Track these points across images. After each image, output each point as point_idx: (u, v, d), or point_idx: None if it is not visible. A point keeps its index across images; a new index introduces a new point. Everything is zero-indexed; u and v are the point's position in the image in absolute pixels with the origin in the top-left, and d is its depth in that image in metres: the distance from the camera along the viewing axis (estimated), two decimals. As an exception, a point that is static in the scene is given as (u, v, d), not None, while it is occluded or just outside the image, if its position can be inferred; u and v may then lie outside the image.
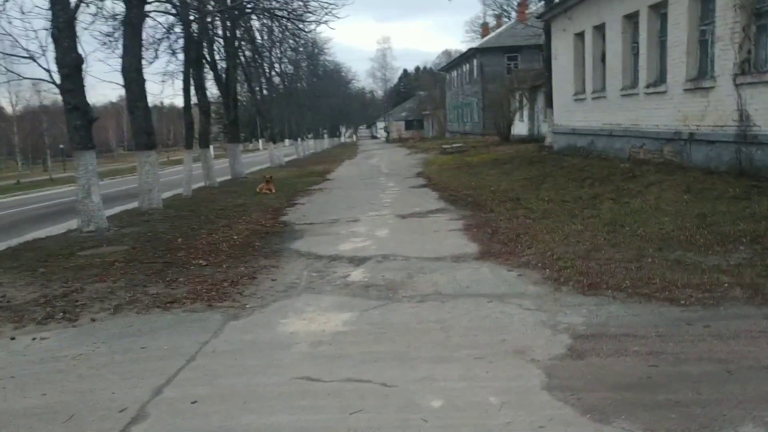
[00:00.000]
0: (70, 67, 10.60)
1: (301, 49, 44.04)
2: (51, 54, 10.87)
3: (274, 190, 17.33)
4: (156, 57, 18.95)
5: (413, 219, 11.31)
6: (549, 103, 22.62)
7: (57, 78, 10.74)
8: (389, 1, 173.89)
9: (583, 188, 12.56)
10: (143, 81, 13.60)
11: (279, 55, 39.84)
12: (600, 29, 16.97)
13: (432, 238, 9.26)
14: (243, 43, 29.09)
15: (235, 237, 10.03)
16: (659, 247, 7.22)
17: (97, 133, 14.15)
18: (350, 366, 4.45)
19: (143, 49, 16.25)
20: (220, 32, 23.38)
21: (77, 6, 10.89)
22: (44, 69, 11.04)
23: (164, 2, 15.79)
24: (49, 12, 10.56)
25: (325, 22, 22.80)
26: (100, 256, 8.98)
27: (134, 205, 14.80)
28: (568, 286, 6.05)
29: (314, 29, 29.26)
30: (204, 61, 22.89)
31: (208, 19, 20.63)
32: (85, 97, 10.92)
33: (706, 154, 11.73)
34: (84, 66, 10.90)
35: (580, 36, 18.42)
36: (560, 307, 5.48)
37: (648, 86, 14.06)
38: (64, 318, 6.10)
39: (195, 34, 18.20)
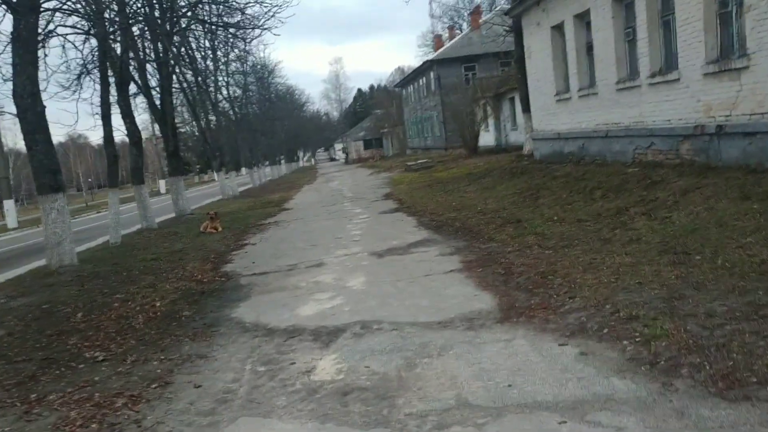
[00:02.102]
0: None
1: (249, 70, 41.78)
2: None
3: (220, 229, 14.68)
4: (79, 84, 16.24)
5: (393, 257, 8.84)
6: (525, 107, 20.49)
7: None
8: (339, 25, 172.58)
9: (595, 201, 10.27)
10: (42, 108, 10.88)
11: (226, 79, 37.36)
12: (583, 17, 14.89)
13: (425, 287, 6.79)
14: (182, 65, 26.53)
15: (158, 303, 7.38)
16: (770, 286, 4.89)
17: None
18: None
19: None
20: (152, 55, 20.75)
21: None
22: None
23: (68, 14, 13.05)
24: None
25: (268, 28, 20.29)
26: (-45, 352, 6.27)
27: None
28: (683, 379, 3.62)
29: (258, 35, 26.64)
30: (136, 86, 20.27)
31: (134, 35, 18.00)
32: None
33: (743, 149, 9.57)
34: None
35: (558, 29, 16.34)
36: None
37: (653, 75, 11.93)
38: None
39: (115, 53, 15.53)
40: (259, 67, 45.92)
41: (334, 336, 5.45)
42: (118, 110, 16.76)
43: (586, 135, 15.09)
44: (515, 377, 4.02)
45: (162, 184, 58.56)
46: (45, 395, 4.74)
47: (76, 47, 14.96)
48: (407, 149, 63.34)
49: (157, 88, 20.59)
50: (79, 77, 16.07)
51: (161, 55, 19.84)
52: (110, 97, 16.23)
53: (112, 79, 16.18)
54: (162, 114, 20.03)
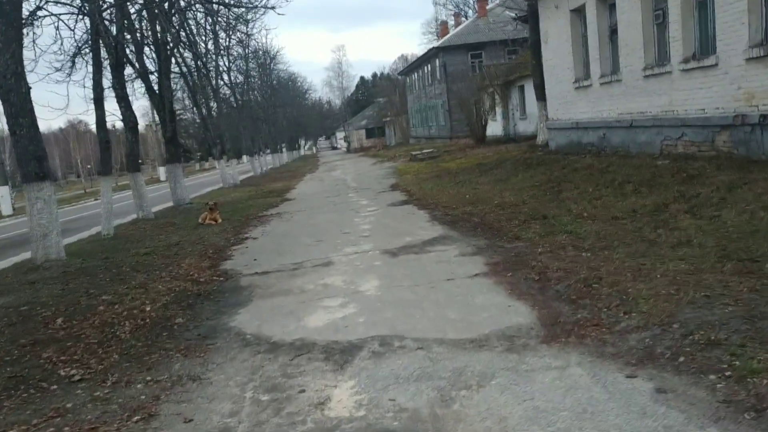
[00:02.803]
0: None
1: (251, 56, 40.84)
2: None
3: (219, 220, 13.87)
4: (73, 65, 15.38)
5: (409, 257, 8.03)
6: (540, 95, 19.61)
7: None
8: (342, 13, 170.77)
9: (627, 197, 9.45)
10: (27, 89, 10.06)
11: (227, 64, 36.44)
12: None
13: (450, 295, 5.99)
14: (181, 48, 25.64)
15: (149, 308, 6.58)
16: None
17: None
18: None
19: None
20: (150, 37, 19.82)
21: None
22: None
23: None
24: None
25: (272, 7, 19.41)
26: None
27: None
28: (809, 435, 2.84)
29: (262, 14, 25.79)
30: (133, 69, 19.40)
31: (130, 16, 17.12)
32: None
33: (792, 141, 8.76)
34: None
35: (578, 12, 15.46)
36: None
37: (686, 61, 11.07)
38: None
39: (110, 33, 14.66)
40: (261, 53, 45.04)
41: (349, 355, 4.65)
42: (114, 94, 16.06)
43: (608, 125, 14.24)
44: (582, 423, 3.22)
45: (162, 172, 57.61)
46: (4, 430, 3.96)
47: (69, 27, 14.08)
48: (410, 138, 62.39)
49: (155, 72, 19.73)
50: (73, 59, 15.25)
51: (159, 36, 18.93)
52: (105, 81, 15.49)
53: (107, 62, 15.37)
54: (160, 98, 19.16)
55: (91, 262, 9.81)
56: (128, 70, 19.90)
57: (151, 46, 20.09)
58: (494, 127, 34.33)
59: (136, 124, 16.21)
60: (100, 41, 14.98)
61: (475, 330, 4.87)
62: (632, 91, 13.06)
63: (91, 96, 13.23)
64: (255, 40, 43.17)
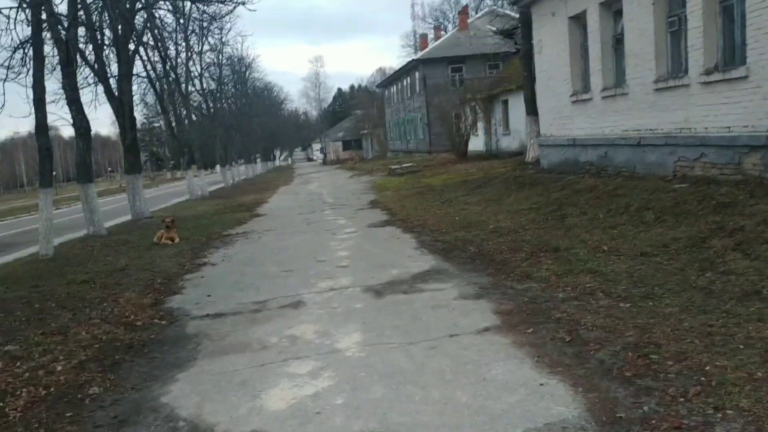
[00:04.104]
0: None
1: (225, 62, 39.24)
2: None
3: (177, 240, 12.26)
4: (24, 64, 13.65)
5: (397, 297, 6.56)
6: (531, 109, 18.35)
7: None
8: (321, 26, 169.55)
9: (650, 227, 8.11)
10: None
11: (200, 70, 34.79)
12: (610, 5, 12.79)
13: (457, 362, 4.52)
14: (148, 50, 24.02)
15: (60, 367, 5.02)
16: None
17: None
18: None
19: None
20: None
21: None
22: None
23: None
24: None
25: (242, 2, 18.03)
26: None
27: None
28: None
29: (231, 10, 24.31)
30: (91, 70, 17.76)
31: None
32: None
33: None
34: None
35: (577, 19, 14.23)
36: None
37: (708, 72, 9.84)
38: None
39: (57, 27, 13.06)
40: (236, 60, 43.44)
41: (322, 470, 3.17)
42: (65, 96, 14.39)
43: (611, 142, 12.98)
44: None
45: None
46: None
47: (7, 17, 12.37)
48: (388, 152, 61.12)
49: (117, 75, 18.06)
50: (14, 53, 13.54)
51: (120, 33, 17.29)
52: (56, 81, 13.87)
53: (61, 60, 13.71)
54: (119, 103, 17.50)
55: (13, 292, 8.16)
56: (88, 72, 18.43)
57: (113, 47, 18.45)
58: (476, 143, 33.12)
59: (88, 129, 14.53)
60: (48, 35, 13.40)
61: (502, 429, 3.42)
62: (640, 106, 11.81)
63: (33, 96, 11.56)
64: (230, 46, 41.66)
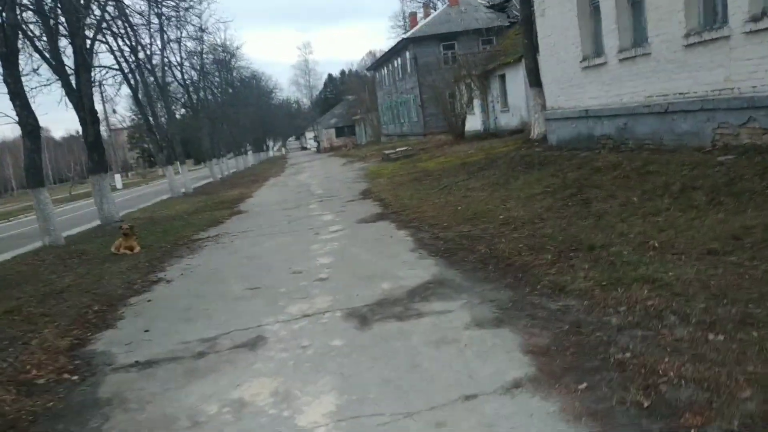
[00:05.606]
0: None
1: (207, 50, 37.35)
2: None
3: (137, 249, 10.59)
4: None
5: (388, 327, 4.89)
6: (534, 80, 16.57)
7: None
8: (308, 12, 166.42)
9: (703, 212, 6.44)
10: None
11: (180, 60, 32.87)
12: (625, -48, 11.06)
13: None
14: (116, 40, 22.24)
15: None
16: None
17: None
18: None
19: None
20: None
21: None
22: None
23: None
24: None
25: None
26: None
27: None
28: None
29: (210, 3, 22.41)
30: (44, 60, 15.99)
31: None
32: None
33: None
34: None
35: (585, -27, 12.49)
36: None
37: (754, 20, 8.13)
38: None
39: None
40: (221, 49, 41.43)
41: None
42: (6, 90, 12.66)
43: (631, 111, 11.27)
44: None
45: (118, 179, 53.68)
46: None
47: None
48: (382, 136, 59.33)
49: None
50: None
51: (75, 18, 15.49)
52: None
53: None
54: (78, 97, 15.76)
55: None
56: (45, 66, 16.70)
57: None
58: (473, 122, 31.37)
59: (37, 126, 12.80)
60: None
61: None
62: (667, 67, 10.10)
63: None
64: (211, 34, 39.63)
